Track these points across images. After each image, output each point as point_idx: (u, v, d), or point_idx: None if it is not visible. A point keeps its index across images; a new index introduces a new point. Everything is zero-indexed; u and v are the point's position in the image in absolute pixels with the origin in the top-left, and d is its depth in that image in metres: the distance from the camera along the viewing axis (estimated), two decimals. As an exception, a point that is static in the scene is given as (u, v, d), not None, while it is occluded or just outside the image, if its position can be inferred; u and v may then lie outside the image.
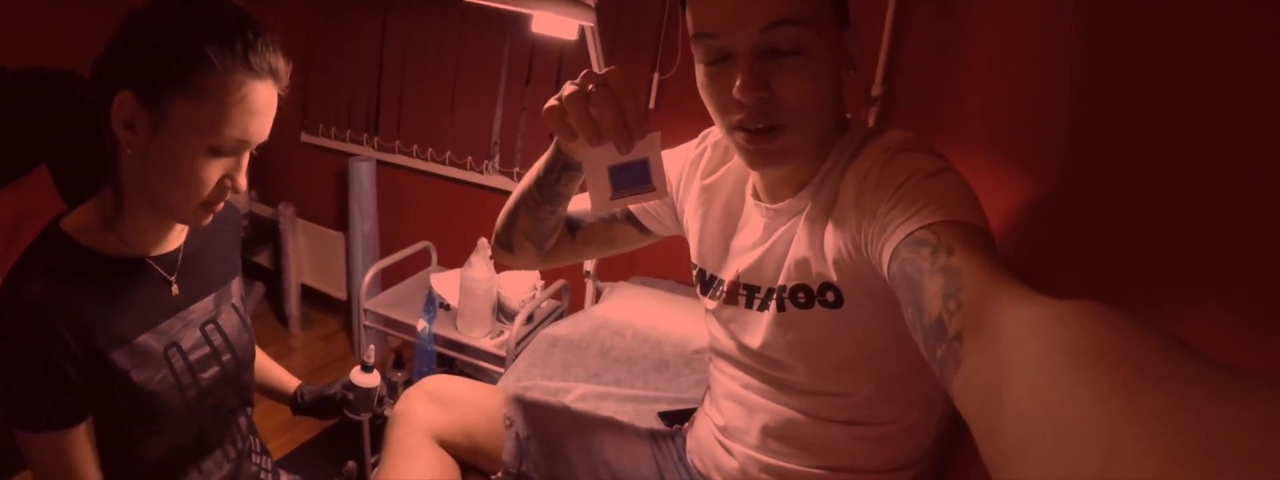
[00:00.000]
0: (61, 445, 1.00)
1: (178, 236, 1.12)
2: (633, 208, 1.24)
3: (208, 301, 1.16)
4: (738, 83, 0.86)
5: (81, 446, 1.01)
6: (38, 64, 2.12)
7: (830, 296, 0.95)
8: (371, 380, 1.39)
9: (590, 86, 0.87)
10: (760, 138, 0.90)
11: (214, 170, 0.96)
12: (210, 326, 1.16)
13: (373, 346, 1.43)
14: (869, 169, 0.87)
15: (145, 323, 1.06)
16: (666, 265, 2.36)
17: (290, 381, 1.44)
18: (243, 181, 1.00)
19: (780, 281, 1.00)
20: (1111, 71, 0.89)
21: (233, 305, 1.22)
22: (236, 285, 1.25)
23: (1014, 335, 0.46)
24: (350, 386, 1.39)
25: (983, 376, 0.47)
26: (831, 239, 0.92)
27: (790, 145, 0.91)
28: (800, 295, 0.98)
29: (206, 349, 1.14)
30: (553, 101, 0.92)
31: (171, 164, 0.94)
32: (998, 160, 1.25)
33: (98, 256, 1.01)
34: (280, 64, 0.96)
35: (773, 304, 1.01)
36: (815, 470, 1.08)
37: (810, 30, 0.85)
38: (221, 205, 1.02)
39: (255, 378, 1.32)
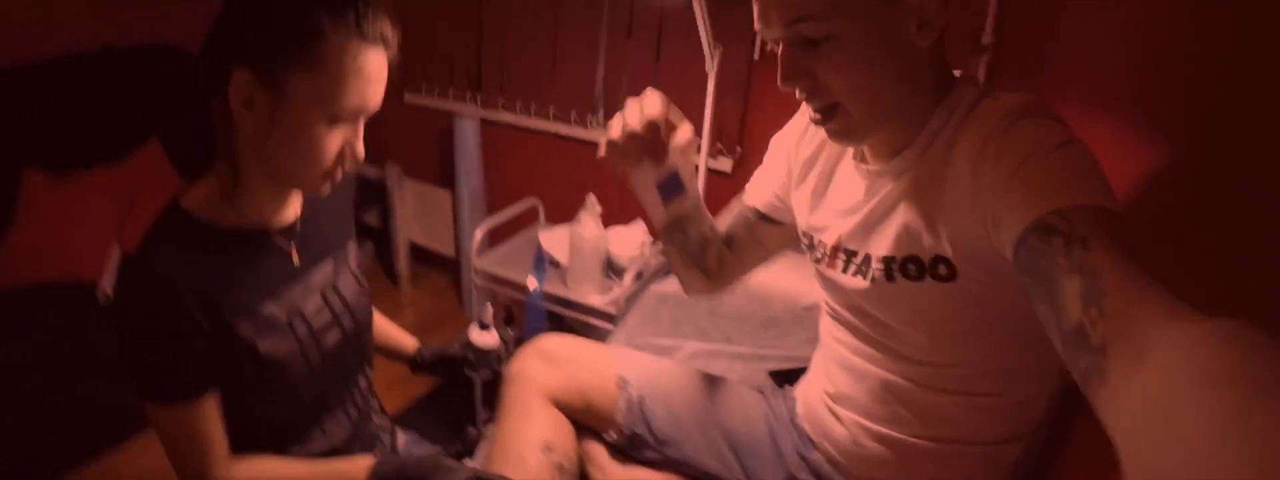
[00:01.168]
0: (190, 416, 1.02)
1: (295, 206, 1.13)
2: (759, 205, 1.27)
3: (326, 267, 1.18)
4: (778, 73, 0.91)
5: (210, 417, 1.04)
6: (147, 42, 2.18)
7: (943, 271, 0.91)
8: (490, 340, 1.40)
9: (617, 133, 1.08)
10: (821, 118, 0.94)
11: (334, 140, 0.98)
12: (330, 292, 1.17)
13: (490, 306, 1.44)
14: (987, 137, 0.83)
15: (268, 292, 1.07)
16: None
17: (407, 341, 1.47)
18: (361, 148, 1.01)
19: (887, 251, 0.97)
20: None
21: (350, 269, 1.23)
22: (351, 248, 1.26)
23: (1164, 357, 0.46)
24: (470, 346, 1.40)
25: (1130, 397, 0.48)
26: (945, 211, 0.89)
27: (851, 125, 0.92)
28: (910, 267, 0.94)
29: (328, 315, 1.16)
30: (601, 152, 1.10)
31: (293, 137, 0.95)
32: (1120, 120, 1.16)
33: (219, 231, 1.03)
34: (389, 30, 0.97)
35: (881, 273, 0.98)
36: (924, 441, 1.06)
37: (835, 20, 0.85)
38: (341, 173, 1.03)
39: (373, 338, 1.36)
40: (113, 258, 1.00)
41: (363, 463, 1.08)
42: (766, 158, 1.26)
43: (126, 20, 2.86)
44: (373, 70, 0.95)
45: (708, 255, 1.28)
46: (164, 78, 2.81)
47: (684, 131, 1.10)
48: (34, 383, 2.31)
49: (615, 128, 1.08)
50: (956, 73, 0.97)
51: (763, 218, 1.26)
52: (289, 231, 1.11)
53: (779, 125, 1.24)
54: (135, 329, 0.97)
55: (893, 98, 0.91)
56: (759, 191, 1.27)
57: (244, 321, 1.03)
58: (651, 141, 1.09)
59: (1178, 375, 0.44)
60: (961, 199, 0.86)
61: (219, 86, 0.93)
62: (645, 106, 1.06)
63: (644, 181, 1.16)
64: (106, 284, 0.98)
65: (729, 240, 1.30)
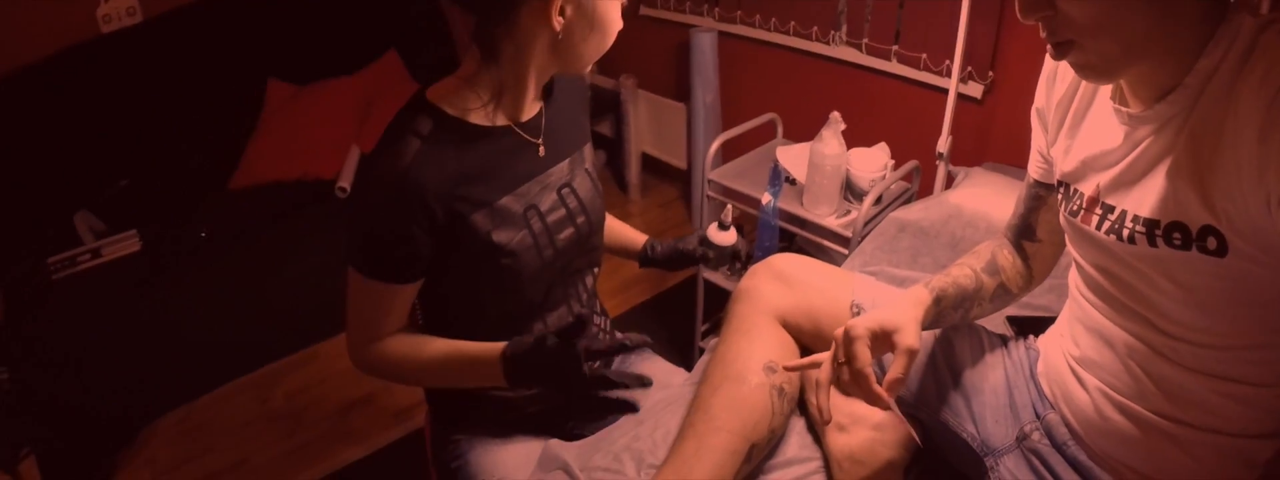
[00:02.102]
0: (382, 294, 1.09)
1: (535, 105, 1.16)
2: (1037, 175, 1.14)
3: (563, 165, 1.20)
4: (1017, 5, 0.81)
5: (399, 301, 1.11)
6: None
7: (1212, 244, 0.78)
8: (728, 238, 1.42)
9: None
10: (1058, 52, 0.81)
11: (618, 18, 1.08)
12: (566, 189, 1.20)
13: (730, 206, 1.44)
14: (1278, 91, 0.68)
15: (508, 186, 1.11)
16: (1023, 149, 2.15)
17: (637, 237, 1.50)
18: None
19: (1150, 212, 0.84)
20: None
21: (586, 170, 1.26)
22: (588, 151, 1.28)
23: None
24: (707, 243, 1.43)
25: None
26: (1221, 176, 0.75)
27: (1089, 61, 0.80)
28: (1175, 236, 0.81)
29: (562, 211, 1.19)
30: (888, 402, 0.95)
31: (603, 24, 1.06)
32: None
33: (466, 124, 1.07)
34: None
35: (1141, 235, 0.85)
36: (1170, 422, 0.93)
37: None
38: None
39: (604, 237, 1.40)
40: (351, 158, 1.08)
41: (495, 355, 1.09)
42: (1032, 125, 1.14)
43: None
44: None
45: (1006, 292, 1.19)
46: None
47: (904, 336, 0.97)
48: (266, 272, 2.54)
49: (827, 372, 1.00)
50: None
51: (1045, 187, 1.13)
52: (534, 127, 1.15)
53: (1034, 51, 1.10)
54: (366, 209, 1.04)
55: (1144, 31, 0.76)
56: (1033, 162, 1.14)
57: (479, 212, 1.08)
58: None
59: None
60: (1243, 166, 0.72)
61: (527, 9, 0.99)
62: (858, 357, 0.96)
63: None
64: (345, 181, 1.05)
65: (1028, 231, 1.18)
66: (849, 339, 0.96)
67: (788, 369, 1.09)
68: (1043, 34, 0.82)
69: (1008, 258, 1.19)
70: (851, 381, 0.95)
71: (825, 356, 1.00)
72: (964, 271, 1.15)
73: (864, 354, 0.95)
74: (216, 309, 2.42)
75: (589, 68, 1.14)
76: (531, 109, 1.15)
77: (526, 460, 1.31)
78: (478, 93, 1.07)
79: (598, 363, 1.12)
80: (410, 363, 1.14)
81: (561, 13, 0.99)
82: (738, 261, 1.45)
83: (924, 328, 1.04)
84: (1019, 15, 0.81)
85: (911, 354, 0.94)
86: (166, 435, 2.37)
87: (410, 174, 1.00)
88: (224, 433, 2.39)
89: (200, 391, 2.50)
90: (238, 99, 2.93)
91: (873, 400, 0.94)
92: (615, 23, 1.07)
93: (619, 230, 1.50)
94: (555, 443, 1.31)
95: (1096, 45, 0.78)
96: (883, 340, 0.97)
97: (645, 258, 1.48)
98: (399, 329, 1.15)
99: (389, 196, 1.01)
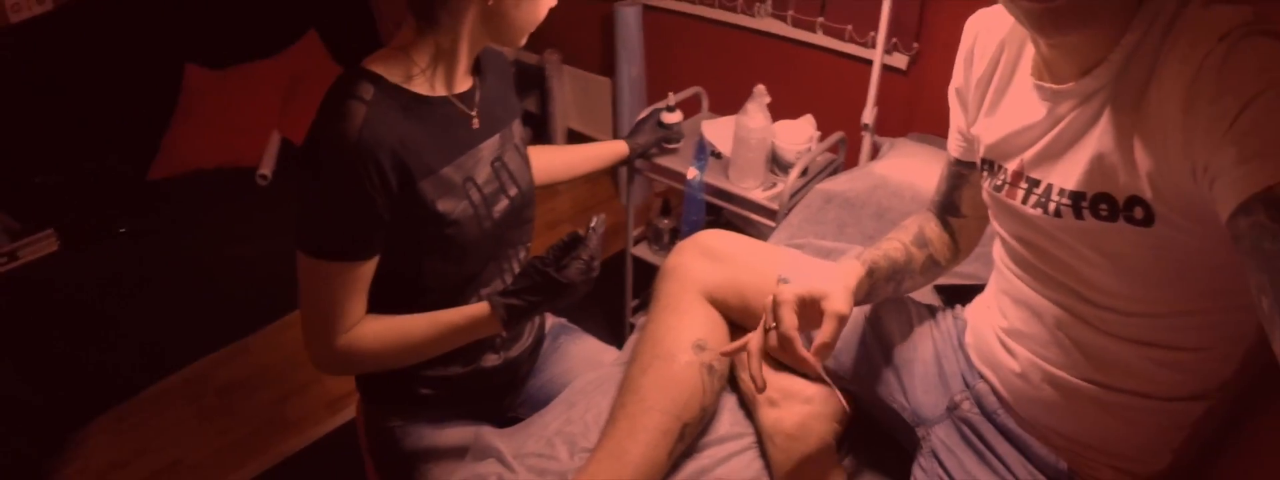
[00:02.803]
0: (344, 277, 1.05)
1: (469, 78, 1.17)
2: (957, 154, 1.14)
3: (496, 139, 1.20)
4: None
5: (361, 282, 1.08)
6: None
7: (1139, 214, 0.79)
8: (677, 117, 2.01)
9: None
10: None
11: None
12: (498, 163, 1.20)
13: (671, 93, 2.03)
14: (1202, 62, 0.69)
15: (448, 156, 1.10)
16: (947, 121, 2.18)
17: (613, 145, 1.79)
18: None
19: (1075, 185, 0.84)
20: None
21: (515, 145, 1.26)
22: (517, 126, 1.28)
23: None
24: (664, 125, 1.98)
25: None
26: (1146, 147, 0.76)
27: (1076, 2, 0.74)
28: (1102, 207, 0.82)
29: (496, 184, 1.19)
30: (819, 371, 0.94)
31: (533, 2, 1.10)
32: None
33: (407, 92, 1.05)
34: None
35: (1067, 208, 0.86)
36: (1100, 388, 0.94)
37: None
38: None
39: (591, 162, 1.70)
40: (272, 144, 1.05)
41: (484, 307, 1.14)
42: (951, 105, 1.13)
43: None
44: None
45: (935, 264, 1.19)
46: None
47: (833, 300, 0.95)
48: (191, 265, 2.46)
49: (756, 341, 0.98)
50: None
51: (966, 165, 1.13)
52: (468, 99, 1.16)
53: (959, 22, 1.09)
54: (321, 182, 1.00)
55: None
56: (953, 141, 1.15)
57: (427, 179, 1.07)
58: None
59: None
60: (1169, 138, 0.73)
61: None
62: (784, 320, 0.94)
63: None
64: (266, 168, 1.03)
65: (952, 208, 1.18)
66: (776, 303, 0.95)
67: (723, 355, 1.08)
68: None
69: (934, 230, 1.20)
70: (778, 346, 0.94)
71: (756, 334, 0.99)
72: (893, 244, 1.15)
73: (790, 318, 0.94)
74: (142, 305, 2.33)
75: (523, 39, 1.15)
76: (465, 81, 1.15)
77: (462, 446, 1.30)
78: (416, 61, 1.07)
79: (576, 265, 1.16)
80: (395, 346, 1.13)
81: None
82: (680, 139, 2.06)
83: (859, 302, 1.04)
84: None
85: (840, 319, 0.92)
86: (99, 439, 2.28)
87: (363, 136, 0.97)
88: (158, 432, 2.31)
89: (131, 392, 2.40)
90: (155, 86, 2.81)
91: (800, 364, 0.93)
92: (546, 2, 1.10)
93: (594, 151, 1.73)
94: (487, 430, 1.30)
95: None
96: (812, 307, 0.96)
97: (633, 153, 1.82)
98: (355, 323, 1.10)
99: (346, 162, 0.98)
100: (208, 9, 2.88)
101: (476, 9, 1.06)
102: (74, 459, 2.22)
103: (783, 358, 0.95)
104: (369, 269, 1.08)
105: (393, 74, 1.05)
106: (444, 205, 1.10)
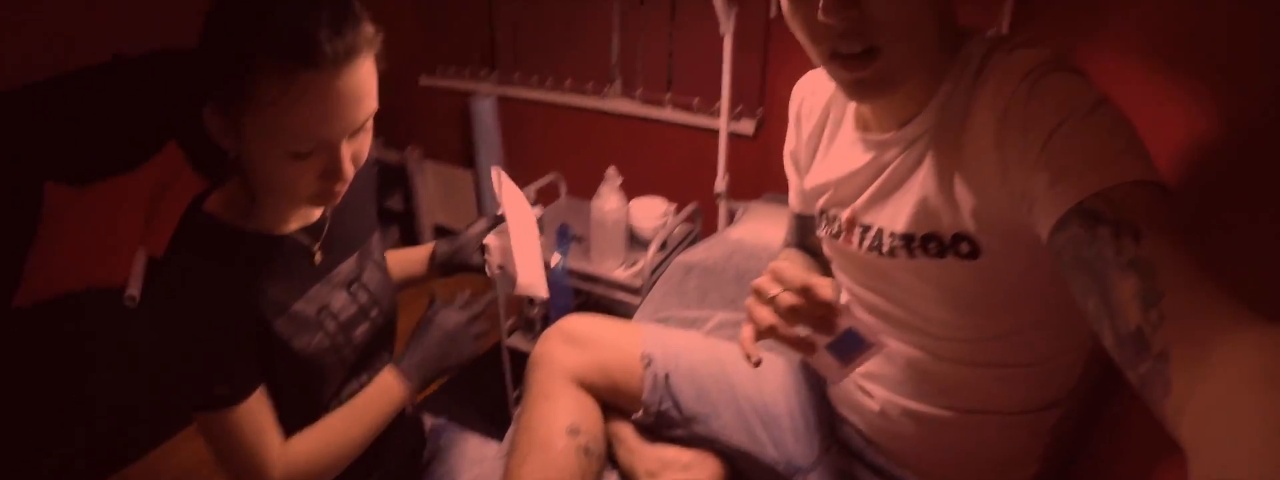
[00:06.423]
0: (243, 419, 0.98)
1: (316, 210, 1.11)
2: (799, 209, 1.24)
3: (351, 262, 1.16)
4: (821, 3, 0.77)
5: (261, 415, 1.01)
6: (156, 48, 2.13)
7: (965, 248, 0.85)
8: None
9: (784, 307, 0.85)
10: (855, 63, 0.82)
11: (306, 171, 0.91)
12: (355, 286, 1.16)
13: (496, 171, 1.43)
14: (1010, 100, 0.76)
15: (296, 291, 1.06)
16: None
17: (420, 254, 1.41)
18: (349, 168, 0.93)
19: (904, 227, 0.91)
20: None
21: (374, 261, 1.22)
22: (376, 240, 1.25)
23: (1233, 368, 0.45)
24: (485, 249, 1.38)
25: (1197, 407, 0.46)
26: (967, 184, 0.82)
27: (891, 69, 0.81)
28: (931, 245, 0.89)
29: (354, 308, 1.15)
30: (760, 326, 0.88)
31: (265, 172, 0.93)
32: (1163, 76, 1.04)
33: (244, 234, 1.00)
34: (359, 39, 0.85)
35: (899, 249, 0.92)
36: (957, 414, 1.00)
37: None
38: (344, 185, 0.96)
39: (404, 271, 1.39)
40: (138, 263, 0.99)
41: (387, 376, 1.15)
42: (786, 169, 1.22)
43: (135, 27, 2.85)
44: (331, 96, 0.84)
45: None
46: (176, 83, 2.82)
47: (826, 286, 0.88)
48: (66, 390, 2.32)
49: (763, 314, 0.88)
50: (964, 26, 0.89)
51: (809, 218, 1.20)
52: (315, 231, 1.10)
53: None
54: (178, 335, 0.94)
55: (927, 42, 0.83)
56: (793, 199, 1.23)
57: (278, 318, 1.02)
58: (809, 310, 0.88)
59: (1247, 385, 0.43)
60: (986, 174, 0.79)
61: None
62: (786, 276, 0.86)
63: (820, 359, 0.91)
64: (133, 289, 0.97)
65: (807, 247, 1.27)
66: (767, 275, 0.89)
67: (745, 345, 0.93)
68: (840, 47, 0.81)
69: (802, 254, 1.27)
70: (792, 303, 0.85)
71: (756, 312, 0.90)
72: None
73: (788, 268, 0.87)
74: (16, 439, 2.15)
75: (297, 206, 1.05)
76: (314, 212, 1.10)
77: None
78: (247, 203, 1.00)
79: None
80: (332, 452, 1.08)
81: (222, 136, 0.91)
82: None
83: (847, 356, 0.95)
84: (821, 15, 0.78)
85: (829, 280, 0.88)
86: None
87: (205, 287, 0.94)
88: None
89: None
90: (13, 207, 2.65)
91: (819, 308, 0.85)
92: (288, 179, 0.91)
93: (402, 261, 1.40)
94: None
95: (898, 49, 0.80)
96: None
97: (437, 261, 1.40)
98: (279, 449, 1.03)
99: (194, 314, 0.93)
100: (64, 125, 2.75)
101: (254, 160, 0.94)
102: None
103: (802, 308, 0.85)
104: (263, 396, 1.02)
105: (231, 213, 1.00)
106: (298, 342, 1.04)
